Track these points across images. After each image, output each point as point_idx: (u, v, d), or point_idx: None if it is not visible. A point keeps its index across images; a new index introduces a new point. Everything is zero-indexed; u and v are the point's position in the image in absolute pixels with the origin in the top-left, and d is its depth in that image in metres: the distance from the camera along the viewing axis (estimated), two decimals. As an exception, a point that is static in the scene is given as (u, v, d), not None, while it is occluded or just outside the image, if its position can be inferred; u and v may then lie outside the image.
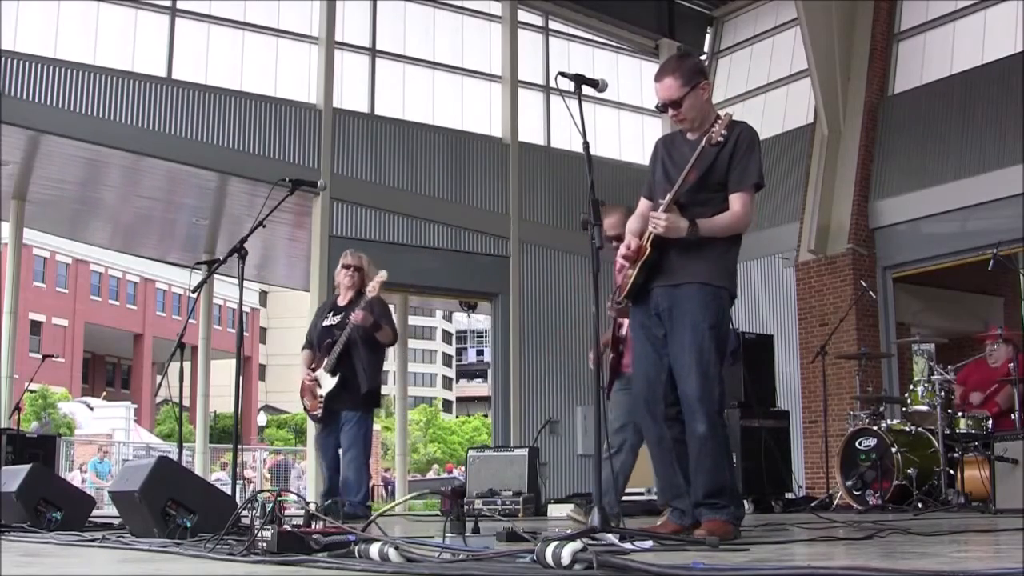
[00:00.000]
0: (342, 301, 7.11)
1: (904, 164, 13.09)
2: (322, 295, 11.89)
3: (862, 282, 11.85)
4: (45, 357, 11.61)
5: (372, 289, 6.89)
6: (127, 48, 12.34)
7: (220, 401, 28.25)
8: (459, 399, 76.72)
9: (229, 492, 4.94)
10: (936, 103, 13.06)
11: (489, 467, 9.46)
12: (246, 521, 3.72)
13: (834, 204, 13.28)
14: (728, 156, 4.12)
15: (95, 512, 5.99)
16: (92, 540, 4.34)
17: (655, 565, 2.43)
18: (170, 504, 4.29)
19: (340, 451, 6.97)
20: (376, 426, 41.02)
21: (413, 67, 14.30)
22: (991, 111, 12.31)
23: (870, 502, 7.95)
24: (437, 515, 8.51)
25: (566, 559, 2.58)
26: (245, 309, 6.52)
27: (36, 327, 40.37)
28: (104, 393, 43.22)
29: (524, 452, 9.57)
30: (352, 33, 13.83)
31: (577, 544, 2.62)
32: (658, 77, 4.21)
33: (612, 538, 3.26)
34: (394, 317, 8.15)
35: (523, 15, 15.07)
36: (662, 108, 4.24)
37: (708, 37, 16.50)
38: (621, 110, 15.73)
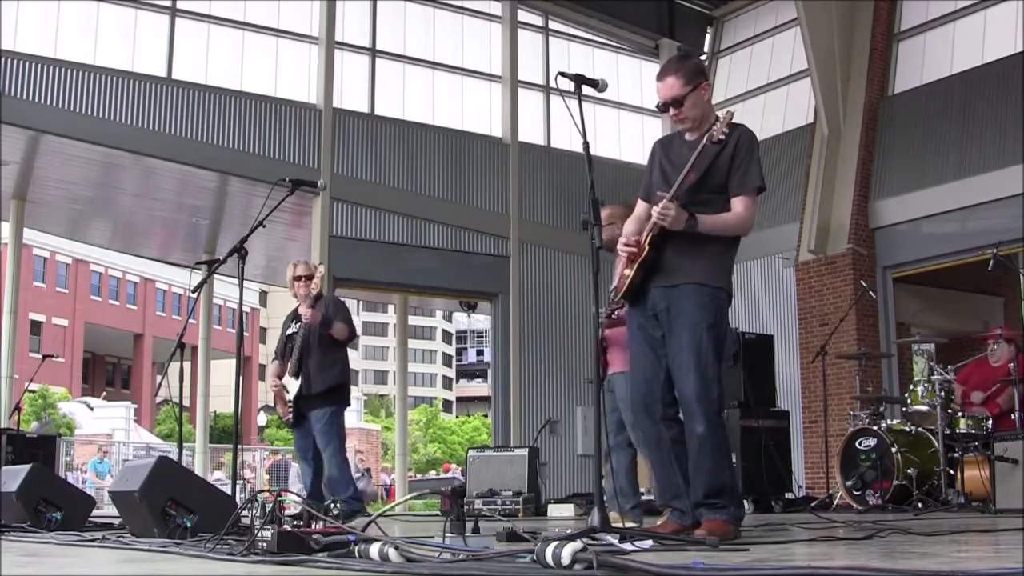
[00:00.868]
0: (302, 310, 7.13)
1: (904, 164, 13.09)
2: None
3: (862, 282, 11.85)
4: (45, 357, 11.59)
5: (315, 285, 6.98)
6: (127, 48, 12.34)
7: (220, 401, 28.26)
8: (459, 399, 76.76)
9: (229, 492, 4.94)
10: (936, 103, 13.06)
11: (489, 467, 9.47)
12: (246, 521, 3.72)
13: (834, 204, 13.28)
14: (728, 159, 4.12)
15: (95, 512, 5.99)
16: (92, 540, 4.34)
17: (655, 565, 2.42)
18: (170, 504, 4.30)
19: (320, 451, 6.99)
20: (376, 426, 41.09)
21: (413, 67, 14.31)
22: (991, 111, 12.30)
23: (870, 502, 7.95)
24: (437, 515, 8.51)
25: (566, 559, 2.58)
26: (245, 309, 6.53)
27: (36, 327, 40.37)
28: (104, 393, 43.23)
29: (524, 452, 9.58)
30: (352, 33, 13.83)
31: (577, 544, 2.62)
32: (660, 76, 4.22)
33: (610, 538, 3.26)
34: (393, 317, 8.15)
35: (523, 15, 15.07)
36: (663, 107, 4.25)
37: (708, 37, 16.50)
38: (621, 110, 15.72)
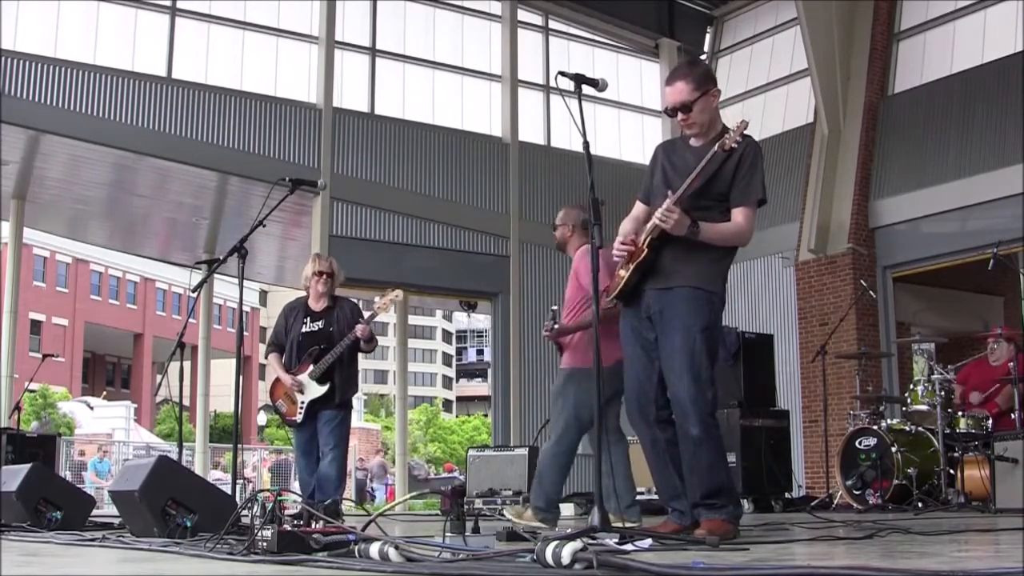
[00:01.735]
0: (317, 307, 7.00)
1: (904, 164, 13.09)
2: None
3: (862, 282, 11.86)
4: (45, 357, 11.59)
5: (384, 307, 6.84)
6: (127, 48, 12.34)
7: (220, 401, 28.24)
8: (459, 399, 76.74)
9: (229, 492, 4.94)
10: (936, 103, 13.06)
11: (489, 467, 9.46)
12: (246, 521, 3.72)
13: (834, 204, 13.28)
14: (733, 168, 4.11)
15: (95, 512, 5.99)
16: (92, 540, 4.34)
17: (655, 564, 2.43)
18: (170, 504, 4.30)
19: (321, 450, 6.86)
20: (376, 426, 41.11)
21: (413, 67, 14.31)
22: (991, 111, 12.31)
23: (870, 502, 7.95)
24: (437, 515, 8.51)
25: (566, 559, 2.58)
26: (245, 309, 6.51)
27: (36, 327, 40.37)
28: (104, 393, 43.21)
29: (524, 452, 9.56)
30: (352, 33, 13.83)
31: (577, 544, 2.62)
32: (669, 81, 4.21)
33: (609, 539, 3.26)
34: (393, 316, 8.14)
35: (523, 15, 15.07)
36: (671, 112, 4.24)
37: (708, 37, 16.50)
38: (621, 110, 15.72)
